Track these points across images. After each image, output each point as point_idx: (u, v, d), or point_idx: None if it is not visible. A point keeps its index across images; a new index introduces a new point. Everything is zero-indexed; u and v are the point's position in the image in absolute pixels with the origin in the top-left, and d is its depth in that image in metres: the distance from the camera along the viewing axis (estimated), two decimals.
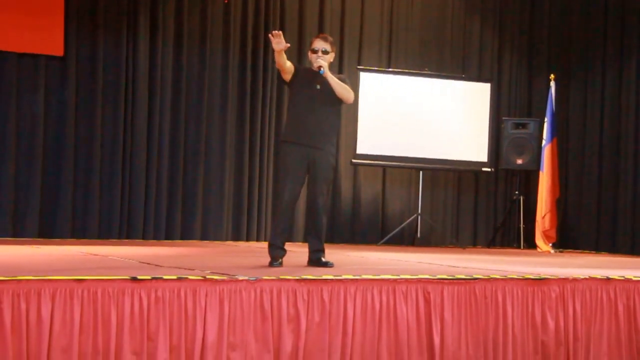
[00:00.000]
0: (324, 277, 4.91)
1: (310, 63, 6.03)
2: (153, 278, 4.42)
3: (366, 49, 10.45)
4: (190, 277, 4.53)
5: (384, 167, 10.38)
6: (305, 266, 5.83)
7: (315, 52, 5.99)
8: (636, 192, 10.24)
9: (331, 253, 6.20)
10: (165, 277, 4.48)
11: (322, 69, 5.88)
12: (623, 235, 10.38)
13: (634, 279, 5.74)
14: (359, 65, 10.18)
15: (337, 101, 6.01)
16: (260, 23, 9.82)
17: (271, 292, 4.66)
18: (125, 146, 9.10)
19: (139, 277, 4.39)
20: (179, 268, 5.21)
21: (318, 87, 5.95)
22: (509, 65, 11.24)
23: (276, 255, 5.84)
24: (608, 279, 5.66)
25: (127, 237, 9.02)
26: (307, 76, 6.02)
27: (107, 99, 9.06)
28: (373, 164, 10.10)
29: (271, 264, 5.78)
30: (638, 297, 5.66)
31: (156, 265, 5.51)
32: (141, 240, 9.01)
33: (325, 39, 6.07)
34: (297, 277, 4.81)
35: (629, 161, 10.36)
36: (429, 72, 10.37)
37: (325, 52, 5.96)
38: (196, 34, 9.54)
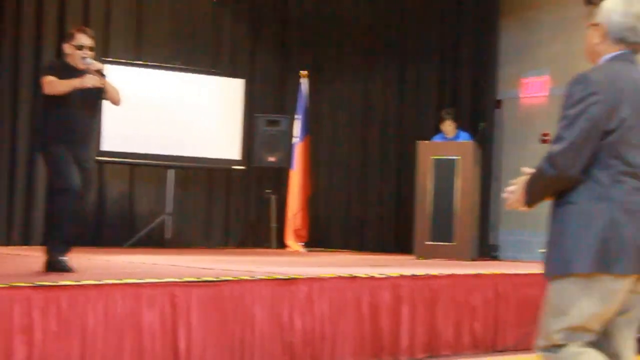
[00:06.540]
0: (62, 283, 4.65)
1: (74, 60, 5.66)
2: None
3: (113, 39, 10.03)
4: None
5: (132, 165, 10.02)
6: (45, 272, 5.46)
7: (80, 48, 5.62)
8: (391, 191, 10.59)
9: (72, 257, 5.84)
10: None
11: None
12: (370, 232, 10.71)
13: (378, 276, 5.84)
14: (104, 57, 9.71)
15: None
16: None
17: (2, 301, 4.32)
18: None
19: None
20: None
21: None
22: (263, 62, 11.19)
23: None
24: (353, 277, 5.72)
25: None
26: (66, 75, 5.61)
27: None
28: (119, 161, 9.71)
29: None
30: (382, 293, 5.75)
31: None
32: None
33: (90, 35, 5.71)
34: (31, 284, 4.50)
35: (375, 158, 10.75)
36: (180, 66, 10.13)
37: (91, 49, 5.65)
38: None
